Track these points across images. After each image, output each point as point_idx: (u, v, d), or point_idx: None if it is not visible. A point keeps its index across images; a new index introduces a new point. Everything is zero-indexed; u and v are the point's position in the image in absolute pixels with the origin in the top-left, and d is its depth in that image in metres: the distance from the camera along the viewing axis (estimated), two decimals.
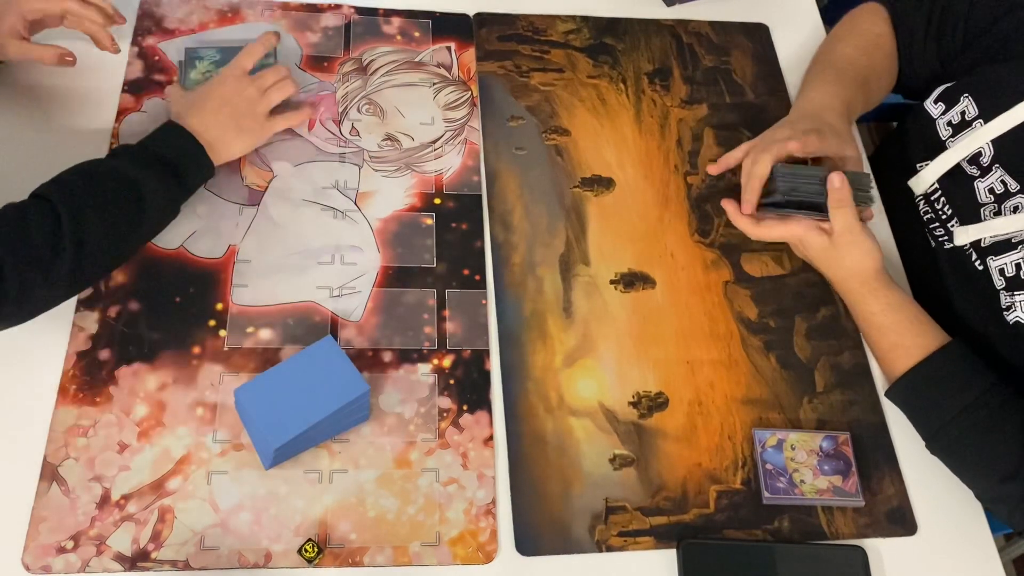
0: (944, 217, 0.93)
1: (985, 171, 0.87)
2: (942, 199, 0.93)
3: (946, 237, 0.93)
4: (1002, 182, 0.85)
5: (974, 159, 0.88)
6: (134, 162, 0.78)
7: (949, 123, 0.91)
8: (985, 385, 0.80)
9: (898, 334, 0.85)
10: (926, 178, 0.94)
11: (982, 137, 0.87)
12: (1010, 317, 0.84)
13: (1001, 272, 0.85)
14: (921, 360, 0.82)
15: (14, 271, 0.68)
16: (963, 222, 0.90)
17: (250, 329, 0.84)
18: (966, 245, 0.89)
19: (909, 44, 0.98)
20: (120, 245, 0.77)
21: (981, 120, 0.87)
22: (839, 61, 0.98)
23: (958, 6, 0.94)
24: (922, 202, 0.96)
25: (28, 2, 0.83)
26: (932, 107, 0.94)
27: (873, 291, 0.86)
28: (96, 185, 0.75)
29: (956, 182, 0.91)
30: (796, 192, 0.87)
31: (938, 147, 0.92)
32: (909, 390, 0.84)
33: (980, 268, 0.87)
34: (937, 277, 0.95)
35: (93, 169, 0.77)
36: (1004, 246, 0.85)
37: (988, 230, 0.86)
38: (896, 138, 1.05)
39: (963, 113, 0.89)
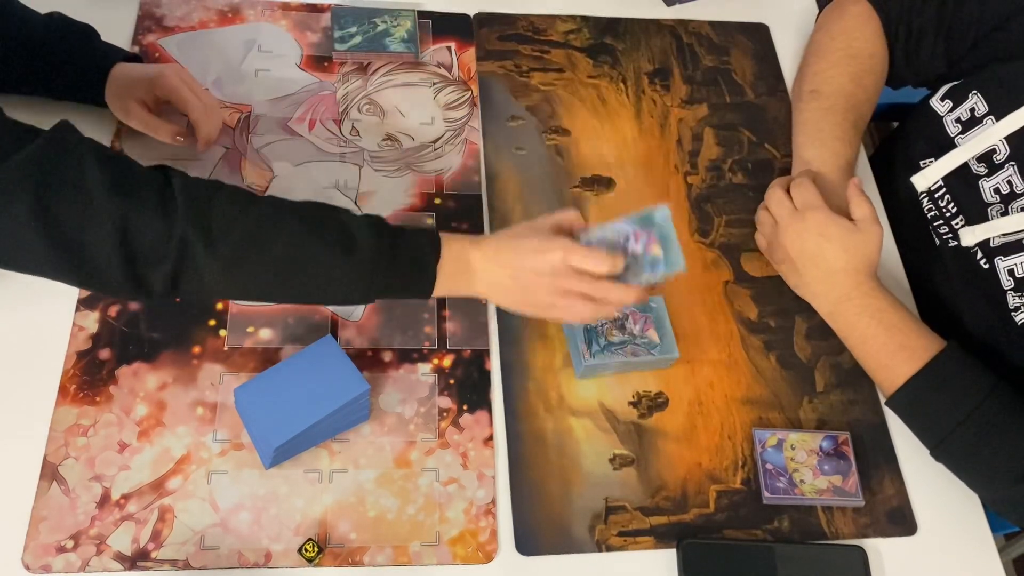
0: (948, 215, 0.92)
1: (994, 169, 0.86)
2: (947, 196, 0.92)
3: (951, 235, 0.92)
4: (1008, 182, 0.85)
5: (984, 157, 0.88)
6: (358, 218, 0.72)
7: (958, 120, 0.91)
8: (987, 388, 0.79)
9: (904, 334, 0.83)
10: (931, 175, 0.94)
11: (994, 135, 0.86)
12: (1019, 318, 0.83)
13: (1010, 273, 0.84)
14: (923, 366, 0.80)
15: (182, 232, 0.65)
16: (969, 221, 0.89)
17: (250, 329, 0.84)
18: (973, 245, 0.88)
19: (917, 47, 0.96)
20: (290, 269, 0.70)
21: (992, 117, 0.87)
22: (838, 100, 0.95)
23: (969, 7, 0.92)
24: (926, 199, 0.96)
25: (163, 79, 0.85)
26: (939, 105, 0.93)
27: (879, 286, 0.86)
28: (305, 207, 0.72)
29: (961, 180, 0.90)
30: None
31: (946, 144, 0.92)
32: (912, 398, 0.82)
33: (986, 267, 0.87)
34: (941, 276, 0.94)
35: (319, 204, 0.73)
36: (1013, 247, 0.84)
37: (996, 229, 0.85)
38: (899, 136, 1.04)
39: (972, 110, 0.89)
